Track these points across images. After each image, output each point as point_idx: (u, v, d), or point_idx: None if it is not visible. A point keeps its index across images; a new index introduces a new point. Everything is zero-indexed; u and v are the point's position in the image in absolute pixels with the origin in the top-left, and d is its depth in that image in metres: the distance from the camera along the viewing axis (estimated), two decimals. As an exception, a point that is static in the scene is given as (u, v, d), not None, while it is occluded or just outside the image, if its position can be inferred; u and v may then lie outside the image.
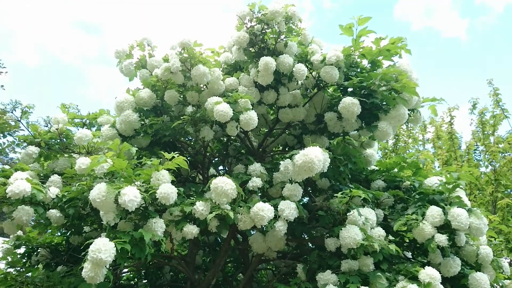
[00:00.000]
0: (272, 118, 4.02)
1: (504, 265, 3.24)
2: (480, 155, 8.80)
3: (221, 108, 2.78)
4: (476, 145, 8.36)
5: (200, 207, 2.61)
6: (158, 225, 2.43)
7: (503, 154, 7.94)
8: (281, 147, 4.41)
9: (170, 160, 2.46)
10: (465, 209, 2.93)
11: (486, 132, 7.70)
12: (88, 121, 3.47)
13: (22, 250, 4.00)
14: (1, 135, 3.63)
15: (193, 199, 2.70)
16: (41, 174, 3.38)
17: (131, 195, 2.19)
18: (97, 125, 3.55)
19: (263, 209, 2.67)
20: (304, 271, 3.07)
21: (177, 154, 2.44)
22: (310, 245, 3.95)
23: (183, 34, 3.59)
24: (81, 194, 2.51)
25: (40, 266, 3.84)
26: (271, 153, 4.24)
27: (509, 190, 7.32)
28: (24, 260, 3.93)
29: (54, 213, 2.63)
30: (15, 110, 3.26)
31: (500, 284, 3.40)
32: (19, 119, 3.19)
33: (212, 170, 4.32)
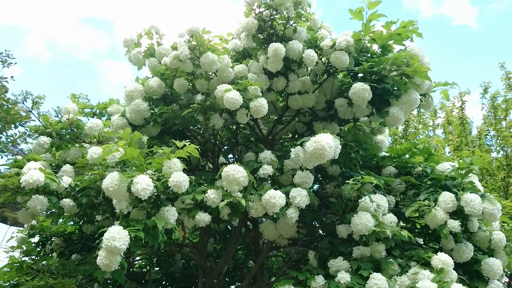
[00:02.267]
0: (282, 105, 3.99)
1: (518, 251, 3.21)
2: (491, 140, 8.69)
3: (231, 96, 2.76)
4: (488, 130, 8.26)
5: (211, 195, 2.62)
6: (170, 213, 2.44)
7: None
8: (290, 135, 4.39)
9: (181, 148, 2.46)
10: (478, 194, 2.90)
11: (498, 117, 7.60)
12: (98, 110, 3.47)
13: (36, 239, 4.07)
14: (13, 125, 3.66)
15: (204, 187, 2.71)
16: (53, 164, 3.41)
17: (144, 184, 2.19)
18: (107, 114, 3.56)
19: (274, 197, 2.67)
20: (316, 258, 3.08)
21: (188, 143, 2.44)
22: (321, 232, 3.96)
23: (191, 22, 3.57)
24: (93, 183, 2.52)
25: (54, 254, 3.90)
26: (281, 141, 4.23)
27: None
28: (38, 249, 4.00)
29: (67, 202, 2.66)
30: (26, 101, 3.28)
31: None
32: (30, 109, 3.21)
33: (221, 159, 4.33)
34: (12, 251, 3.94)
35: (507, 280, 4.04)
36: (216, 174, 3.96)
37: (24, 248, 3.95)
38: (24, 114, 3.41)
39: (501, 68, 8.63)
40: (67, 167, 3.05)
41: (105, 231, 2.15)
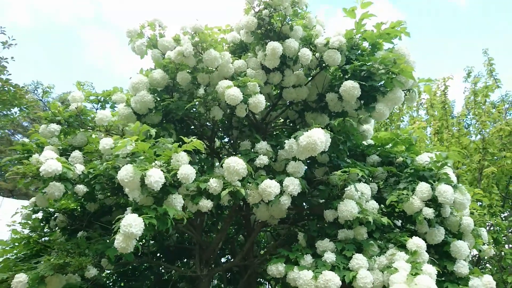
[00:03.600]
0: (275, 93, 4.23)
1: (483, 233, 3.61)
2: (471, 122, 9.12)
3: (232, 92, 3.00)
4: (468, 113, 8.65)
5: (213, 184, 2.90)
6: (177, 201, 2.72)
7: (493, 124, 8.25)
8: (282, 119, 4.65)
9: (188, 143, 2.70)
10: (451, 185, 3.25)
11: (477, 101, 7.95)
12: (103, 98, 3.65)
13: (39, 215, 4.29)
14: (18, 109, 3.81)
15: (207, 176, 2.98)
16: (60, 148, 3.62)
17: (157, 177, 2.46)
18: (111, 101, 3.75)
19: (270, 186, 2.96)
20: (305, 239, 3.43)
21: (194, 138, 2.68)
22: (309, 212, 4.29)
23: (194, 17, 3.73)
24: (105, 171, 2.76)
25: (57, 230, 4.15)
26: (273, 125, 4.49)
27: (496, 157, 7.66)
28: (42, 224, 4.24)
29: (81, 188, 2.90)
30: (36, 90, 3.44)
31: (479, 249, 3.81)
32: (41, 98, 3.38)
33: (217, 142, 4.58)
34: (19, 227, 4.19)
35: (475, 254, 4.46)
36: (213, 157, 4.24)
37: (29, 223, 4.20)
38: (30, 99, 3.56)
39: (484, 54, 8.96)
40: (76, 154, 3.27)
41: (122, 217, 2.42)
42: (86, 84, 3.68)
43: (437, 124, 7.68)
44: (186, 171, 2.59)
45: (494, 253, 4.79)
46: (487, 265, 7.80)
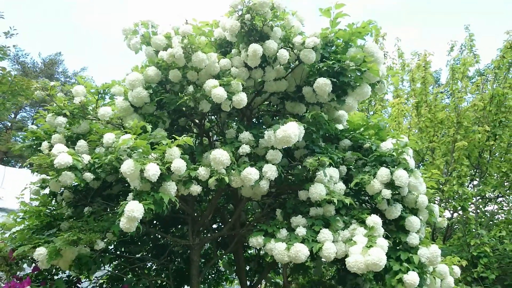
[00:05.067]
0: (260, 81, 4.64)
1: (435, 209, 4.19)
2: (448, 98, 9.58)
3: (217, 92, 3.44)
4: (446, 88, 9.11)
5: (202, 171, 3.41)
6: (171, 187, 3.23)
7: (472, 96, 8.70)
8: (266, 103, 5.09)
9: (173, 139, 3.18)
10: (407, 170, 3.78)
11: (455, 77, 8.39)
12: (103, 90, 4.07)
13: (47, 191, 4.78)
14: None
15: (196, 165, 3.48)
16: (66, 135, 4.07)
17: (154, 171, 2.96)
18: (109, 93, 4.17)
19: (250, 173, 3.47)
20: (282, 215, 4.00)
21: (186, 137, 3.16)
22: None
23: (183, 18, 4.06)
24: (109, 162, 3.24)
25: (64, 204, 4.65)
26: (258, 111, 4.94)
27: (472, 130, 8.16)
28: (49, 199, 4.75)
29: (88, 175, 3.38)
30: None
31: (434, 221, 4.40)
32: (49, 94, 3.78)
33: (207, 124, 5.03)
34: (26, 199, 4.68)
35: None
36: (202, 137, 4.71)
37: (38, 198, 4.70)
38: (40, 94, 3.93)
39: (465, 30, 9.30)
40: (82, 143, 3.74)
41: (126, 203, 2.94)
42: (86, 78, 4.08)
43: (416, 100, 8.14)
44: (178, 164, 3.09)
45: (449, 225, 5.41)
46: (457, 227, 8.56)
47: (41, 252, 3.27)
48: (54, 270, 4.78)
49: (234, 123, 4.48)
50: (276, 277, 6.92)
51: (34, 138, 4.12)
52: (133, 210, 2.87)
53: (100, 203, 4.39)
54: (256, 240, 3.70)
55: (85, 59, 44.54)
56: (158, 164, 3.05)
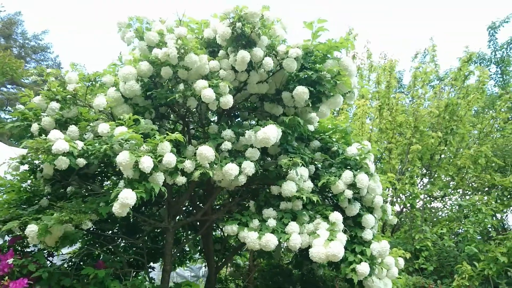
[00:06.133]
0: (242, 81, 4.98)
1: (388, 209, 4.77)
2: (409, 102, 10.31)
3: (207, 93, 3.76)
4: (407, 93, 9.81)
5: (188, 164, 3.75)
6: (160, 177, 3.56)
7: (425, 104, 9.45)
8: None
9: (171, 135, 3.50)
10: (367, 174, 4.30)
11: (416, 87, 9.09)
12: (94, 78, 4.26)
13: (26, 167, 4.92)
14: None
15: (183, 158, 3.81)
16: (55, 118, 4.25)
17: (147, 163, 3.27)
18: (100, 81, 4.37)
19: (232, 169, 3.84)
20: (255, 206, 4.42)
21: (177, 133, 3.48)
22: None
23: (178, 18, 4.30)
24: (104, 151, 3.51)
25: (41, 181, 4.80)
26: (239, 107, 5.29)
27: (425, 135, 8.92)
28: (28, 175, 4.89)
29: (81, 161, 3.63)
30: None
31: (385, 218, 4.99)
32: (44, 80, 3.94)
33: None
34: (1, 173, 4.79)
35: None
36: (184, 127, 5.00)
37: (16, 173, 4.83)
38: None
39: (430, 40, 9.98)
40: (73, 128, 3.97)
41: (120, 190, 3.24)
42: (78, 65, 4.26)
43: (379, 103, 8.76)
44: (170, 158, 3.43)
45: (398, 220, 6.07)
46: (404, 222, 9.37)
47: (32, 229, 3.52)
48: (25, 242, 4.92)
49: (214, 116, 4.80)
50: (238, 259, 7.43)
51: (22, 118, 4.27)
52: (127, 198, 3.19)
53: (77, 182, 4.60)
54: (231, 228, 4.11)
55: (47, 21, 42.43)
56: (151, 156, 3.36)
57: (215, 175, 3.90)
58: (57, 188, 4.71)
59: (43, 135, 3.66)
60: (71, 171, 4.66)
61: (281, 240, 3.93)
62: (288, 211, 4.25)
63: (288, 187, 4.09)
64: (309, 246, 4.02)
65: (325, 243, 3.80)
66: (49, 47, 29.09)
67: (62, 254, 5.67)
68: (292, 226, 4.03)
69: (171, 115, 5.31)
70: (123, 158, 3.26)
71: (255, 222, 4.15)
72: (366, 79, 11.31)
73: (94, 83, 4.26)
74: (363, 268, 4.00)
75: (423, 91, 9.35)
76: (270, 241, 3.85)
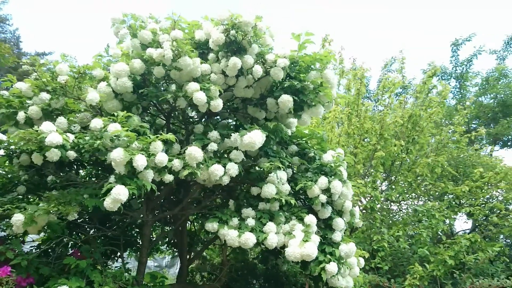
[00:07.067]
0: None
1: (356, 213, 5.14)
2: (376, 108, 10.84)
3: (199, 96, 3.93)
4: (375, 102, 10.32)
5: (176, 163, 3.90)
6: (149, 174, 3.69)
7: (390, 114, 9.98)
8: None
9: (163, 135, 3.64)
10: (341, 181, 4.63)
11: (384, 96, 9.60)
12: (84, 70, 4.29)
13: (2, 152, 4.87)
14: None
15: (171, 157, 3.96)
16: (41, 108, 4.26)
17: (141, 161, 3.41)
18: (90, 74, 4.41)
19: (217, 169, 4.04)
20: (234, 205, 4.64)
21: (170, 134, 3.63)
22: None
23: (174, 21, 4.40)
24: (96, 146, 3.60)
25: (16, 167, 4.77)
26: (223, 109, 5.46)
27: (388, 142, 9.44)
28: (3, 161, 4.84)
29: (72, 153, 3.68)
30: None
31: (353, 222, 5.36)
32: (35, 70, 3.95)
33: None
34: None
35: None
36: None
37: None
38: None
39: (399, 52, 10.52)
40: (62, 120, 4.01)
41: (112, 186, 3.36)
42: (69, 56, 4.27)
43: (348, 110, 9.18)
44: (162, 158, 3.59)
45: (364, 223, 6.53)
46: (363, 224, 9.88)
47: (18, 218, 3.57)
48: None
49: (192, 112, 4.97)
50: (208, 253, 7.64)
51: (7, 105, 4.24)
52: (120, 194, 3.32)
53: (53, 169, 4.61)
54: (212, 226, 4.31)
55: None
56: (144, 155, 3.49)
57: (202, 174, 4.08)
58: (33, 175, 4.71)
59: (33, 126, 3.69)
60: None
61: (259, 239, 4.18)
62: (266, 212, 4.50)
63: (269, 190, 4.34)
64: (284, 245, 4.30)
65: (300, 243, 4.09)
66: (8, 19, 27.61)
67: (33, 240, 5.65)
68: (270, 226, 4.29)
69: (151, 108, 5.40)
70: (117, 155, 3.38)
71: (235, 221, 4.37)
72: (336, 84, 11.75)
73: (83, 75, 4.30)
74: (332, 267, 4.33)
75: (389, 101, 9.87)
76: (249, 239, 4.09)
